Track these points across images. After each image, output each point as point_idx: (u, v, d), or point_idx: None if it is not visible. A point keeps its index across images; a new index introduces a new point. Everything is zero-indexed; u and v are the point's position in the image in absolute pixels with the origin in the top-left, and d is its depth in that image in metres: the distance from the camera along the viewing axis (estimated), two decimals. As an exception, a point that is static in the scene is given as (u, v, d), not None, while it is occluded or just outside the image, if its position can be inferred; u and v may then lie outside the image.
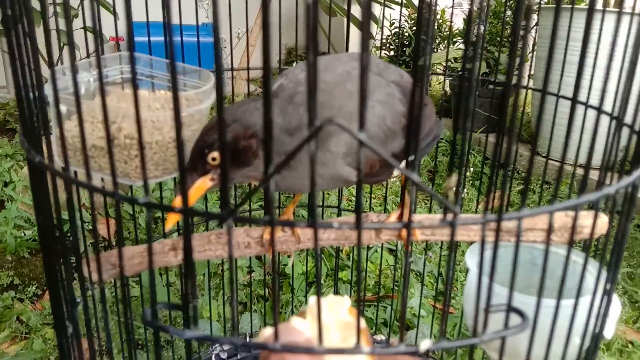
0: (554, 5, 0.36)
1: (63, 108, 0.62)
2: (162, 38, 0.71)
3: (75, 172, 0.68)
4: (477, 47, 0.37)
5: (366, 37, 0.30)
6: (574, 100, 0.41)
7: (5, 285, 1.42)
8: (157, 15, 0.78)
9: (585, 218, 0.62)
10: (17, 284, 1.43)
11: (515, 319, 0.41)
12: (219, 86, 0.32)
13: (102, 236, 1.58)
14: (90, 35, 0.83)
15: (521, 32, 0.35)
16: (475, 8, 0.34)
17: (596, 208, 0.42)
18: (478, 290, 0.38)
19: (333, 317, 0.46)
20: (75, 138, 0.63)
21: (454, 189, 0.33)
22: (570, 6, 0.77)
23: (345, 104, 0.59)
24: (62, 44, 1.68)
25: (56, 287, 0.52)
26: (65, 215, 0.44)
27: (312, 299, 0.47)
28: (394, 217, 0.66)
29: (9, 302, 1.38)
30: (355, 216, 0.33)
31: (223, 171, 0.30)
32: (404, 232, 0.64)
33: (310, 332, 0.43)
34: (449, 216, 0.34)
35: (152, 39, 0.83)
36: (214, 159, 0.57)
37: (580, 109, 0.73)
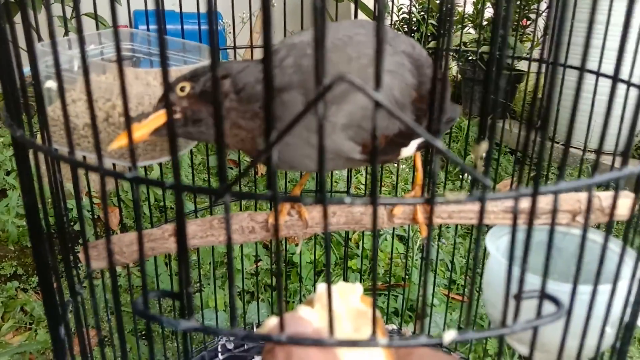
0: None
1: (54, 85, 0.58)
2: (169, 26, 0.67)
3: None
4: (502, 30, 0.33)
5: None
6: (615, 79, 0.36)
7: (8, 275, 1.40)
8: (165, 3, 0.74)
9: (612, 198, 0.58)
10: (20, 274, 1.41)
11: (547, 307, 0.37)
12: (214, 57, 0.28)
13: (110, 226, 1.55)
14: (92, 21, 0.79)
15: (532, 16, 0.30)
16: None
17: (638, 183, 0.37)
18: (508, 276, 0.34)
19: (344, 306, 0.42)
20: (70, 116, 0.59)
21: (484, 158, 0.29)
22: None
23: (345, 69, 0.55)
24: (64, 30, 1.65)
25: (46, 274, 0.49)
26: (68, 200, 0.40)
27: (321, 286, 0.44)
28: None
29: (13, 293, 1.36)
30: (371, 190, 0.28)
31: (217, 132, 0.26)
32: (418, 215, 0.60)
33: (319, 322, 0.39)
34: (478, 190, 0.29)
35: (152, 27, 0.79)
36: (182, 89, 0.53)
37: (605, 87, 0.68)
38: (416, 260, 1.39)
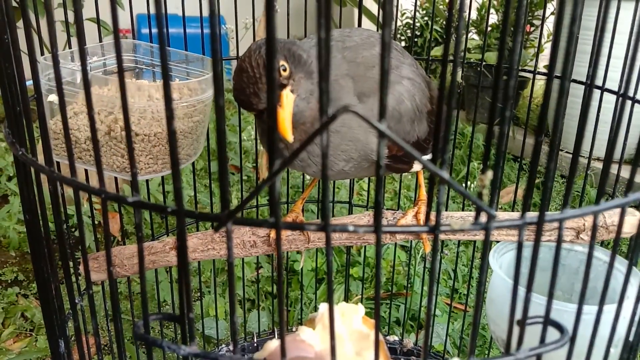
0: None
1: (56, 98, 0.57)
2: (172, 29, 0.67)
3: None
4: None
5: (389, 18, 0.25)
6: (624, 96, 0.36)
7: (9, 281, 1.40)
8: (168, 7, 0.74)
9: (617, 216, 0.58)
10: (21, 280, 1.41)
11: (551, 331, 0.37)
12: (217, 71, 0.27)
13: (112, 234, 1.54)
14: (94, 26, 0.79)
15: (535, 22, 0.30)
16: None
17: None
18: (513, 302, 0.33)
19: (346, 327, 0.42)
20: (71, 130, 0.59)
21: (489, 187, 0.28)
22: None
23: (375, 63, 0.57)
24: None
25: (45, 289, 0.48)
26: (70, 213, 0.40)
27: (323, 306, 0.43)
28: (410, 215, 0.62)
29: (14, 298, 1.36)
30: (374, 217, 0.28)
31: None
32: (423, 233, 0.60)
33: (321, 344, 0.39)
34: (483, 217, 0.29)
35: (155, 31, 0.79)
36: (284, 69, 0.53)
37: (610, 101, 0.68)
38: (418, 269, 1.39)
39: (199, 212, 0.30)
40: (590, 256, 0.35)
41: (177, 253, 0.30)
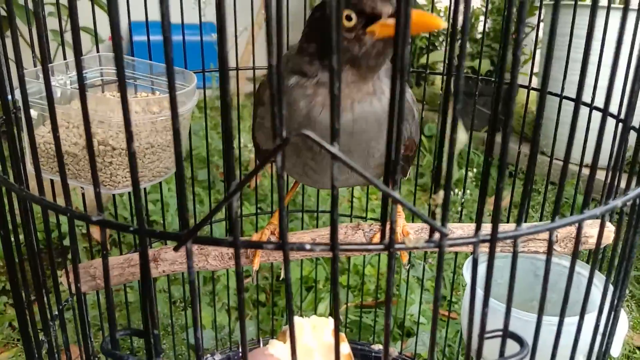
0: (554, 1, 0.33)
1: (34, 113, 0.58)
2: (157, 37, 0.68)
3: (52, 181, 0.65)
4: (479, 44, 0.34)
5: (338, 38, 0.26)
6: (578, 101, 0.37)
7: (-3, 291, 1.40)
8: (157, 15, 0.74)
9: (590, 227, 0.59)
10: (9, 290, 1.40)
11: (512, 344, 0.37)
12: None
13: (96, 240, 1.54)
14: (85, 35, 0.79)
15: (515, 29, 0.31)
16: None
17: (602, 221, 0.38)
18: (471, 313, 0.34)
19: (316, 340, 0.43)
20: (47, 144, 0.60)
21: (442, 206, 0.29)
22: (573, 2, 0.74)
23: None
24: (57, 44, 1.65)
25: (21, 305, 0.49)
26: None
27: (296, 319, 0.44)
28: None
29: (1, 308, 1.35)
30: (330, 236, 0.29)
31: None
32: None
33: (290, 358, 0.40)
34: (436, 236, 0.30)
35: (151, 38, 0.79)
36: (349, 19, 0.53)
37: (584, 109, 0.69)
38: (405, 276, 1.40)
39: (160, 231, 0.31)
40: (547, 271, 0.36)
41: (140, 270, 0.31)
